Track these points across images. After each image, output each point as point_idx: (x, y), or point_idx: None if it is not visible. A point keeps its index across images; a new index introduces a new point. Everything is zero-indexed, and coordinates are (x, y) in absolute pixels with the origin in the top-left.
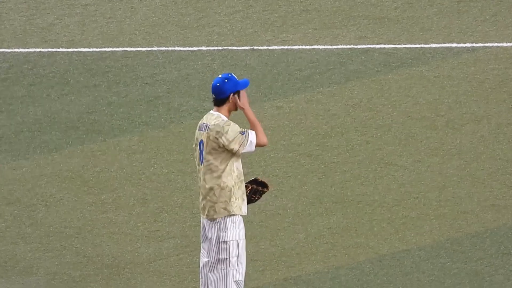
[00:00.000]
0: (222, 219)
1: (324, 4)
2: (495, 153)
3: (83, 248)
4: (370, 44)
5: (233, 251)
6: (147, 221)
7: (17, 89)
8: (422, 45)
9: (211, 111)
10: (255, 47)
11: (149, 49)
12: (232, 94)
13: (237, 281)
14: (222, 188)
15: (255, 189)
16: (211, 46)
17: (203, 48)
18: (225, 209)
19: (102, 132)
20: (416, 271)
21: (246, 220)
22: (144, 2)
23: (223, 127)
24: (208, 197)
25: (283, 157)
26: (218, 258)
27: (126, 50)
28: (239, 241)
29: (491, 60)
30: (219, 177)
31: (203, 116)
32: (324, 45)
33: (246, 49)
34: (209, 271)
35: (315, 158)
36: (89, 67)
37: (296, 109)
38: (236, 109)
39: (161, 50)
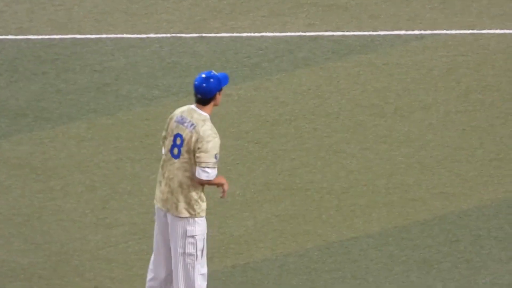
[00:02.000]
0: (189, 217)
1: None
2: (443, 140)
3: (31, 235)
4: (318, 32)
5: (200, 245)
6: (95, 208)
7: None
8: (371, 33)
9: (196, 109)
10: (204, 34)
11: (97, 36)
12: (218, 92)
13: (203, 274)
14: (191, 190)
15: None
16: (160, 33)
17: (152, 35)
18: (186, 210)
19: (51, 120)
20: (364, 258)
21: None
22: None
23: (208, 135)
24: (174, 193)
25: (231, 144)
26: (185, 253)
27: (75, 38)
28: (204, 235)
29: (440, 48)
30: (192, 178)
31: (184, 106)
32: (272, 33)
33: (195, 36)
34: (173, 266)
35: (263, 146)
36: (37, 54)
37: (244, 97)
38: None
39: (110, 38)
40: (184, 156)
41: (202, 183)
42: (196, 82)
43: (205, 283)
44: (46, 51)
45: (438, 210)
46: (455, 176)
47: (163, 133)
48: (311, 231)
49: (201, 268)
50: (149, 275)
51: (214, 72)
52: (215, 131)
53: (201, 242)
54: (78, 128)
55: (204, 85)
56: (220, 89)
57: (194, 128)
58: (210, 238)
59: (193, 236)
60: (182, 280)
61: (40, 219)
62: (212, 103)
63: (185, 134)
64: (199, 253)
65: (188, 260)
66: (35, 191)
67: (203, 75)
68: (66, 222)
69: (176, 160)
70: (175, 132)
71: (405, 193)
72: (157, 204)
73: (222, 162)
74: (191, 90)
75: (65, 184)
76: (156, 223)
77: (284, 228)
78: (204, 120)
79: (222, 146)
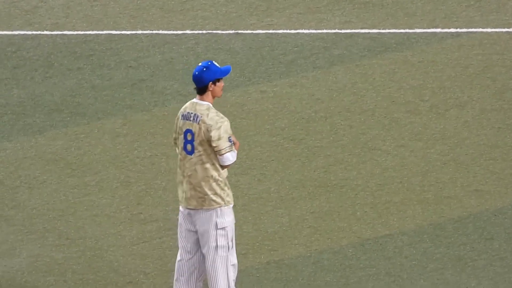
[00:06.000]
0: (218, 207)
1: None
2: (478, 138)
3: (66, 230)
4: (354, 29)
5: (230, 235)
6: (130, 204)
7: (1, 72)
8: (407, 30)
9: (197, 100)
10: (240, 31)
11: (133, 32)
12: (211, 82)
13: (234, 264)
14: (214, 180)
15: None
16: (195, 30)
17: (187, 31)
18: (214, 201)
19: (86, 115)
20: (398, 255)
21: None
22: None
23: (216, 122)
24: (198, 188)
25: (266, 141)
26: (217, 246)
27: (110, 33)
28: (233, 225)
29: (475, 46)
30: (212, 168)
31: (187, 103)
32: (308, 30)
33: (231, 33)
34: (208, 263)
35: (298, 142)
36: (73, 50)
37: (280, 94)
38: (219, 96)
39: (145, 34)
40: (199, 149)
41: (228, 167)
42: (193, 71)
43: (235, 274)
44: (81, 46)
45: (473, 208)
46: (490, 174)
47: (173, 135)
48: (346, 228)
49: (233, 258)
50: (175, 275)
51: (213, 62)
52: (221, 115)
53: (231, 233)
54: (113, 123)
55: (196, 73)
56: (214, 80)
57: (200, 119)
58: (245, 234)
59: (223, 228)
60: (218, 275)
61: (74, 214)
62: (209, 93)
63: (194, 127)
64: (230, 243)
65: (222, 253)
66: (70, 187)
67: (200, 64)
68: (101, 217)
69: (191, 156)
70: (184, 129)
71: (440, 190)
72: (182, 205)
73: (257, 159)
74: (227, 87)
75: (100, 180)
76: (180, 225)
77: (318, 225)
78: (207, 109)
79: (257, 143)
